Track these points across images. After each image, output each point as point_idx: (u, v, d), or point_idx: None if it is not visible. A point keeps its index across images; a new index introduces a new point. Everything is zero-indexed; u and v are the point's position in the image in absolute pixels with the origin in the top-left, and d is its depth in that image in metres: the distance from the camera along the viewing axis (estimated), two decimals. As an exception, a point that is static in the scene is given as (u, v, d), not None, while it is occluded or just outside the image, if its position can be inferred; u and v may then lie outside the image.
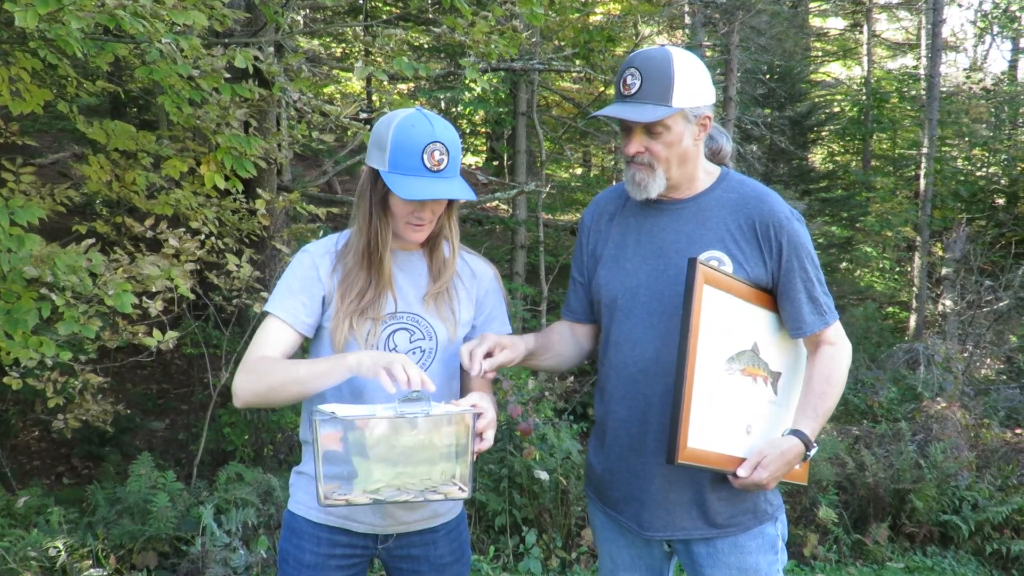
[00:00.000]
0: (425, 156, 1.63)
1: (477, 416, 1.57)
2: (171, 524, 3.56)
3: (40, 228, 3.27)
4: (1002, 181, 11.67)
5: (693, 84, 1.72)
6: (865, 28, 13.44)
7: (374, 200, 1.71)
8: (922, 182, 10.72)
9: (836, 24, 15.74)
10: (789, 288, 1.80)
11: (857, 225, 11.37)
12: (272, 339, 1.72)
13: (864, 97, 12.74)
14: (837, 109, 13.50)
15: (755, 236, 1.78)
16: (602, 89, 9.59)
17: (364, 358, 1.58)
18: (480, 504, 3.99)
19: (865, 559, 4.27)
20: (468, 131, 12.47)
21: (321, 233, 4.49)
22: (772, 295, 1.83)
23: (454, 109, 10.20)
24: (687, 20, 10.00)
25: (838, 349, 1.84)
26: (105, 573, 3.27)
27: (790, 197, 8.34)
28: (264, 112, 4.60)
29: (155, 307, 3.54)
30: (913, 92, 12.91)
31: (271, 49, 4.24)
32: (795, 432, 1.77)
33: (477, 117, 11.39)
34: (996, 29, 14.14)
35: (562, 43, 8.34)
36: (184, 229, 3.83)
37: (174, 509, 3.63)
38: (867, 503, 4.44)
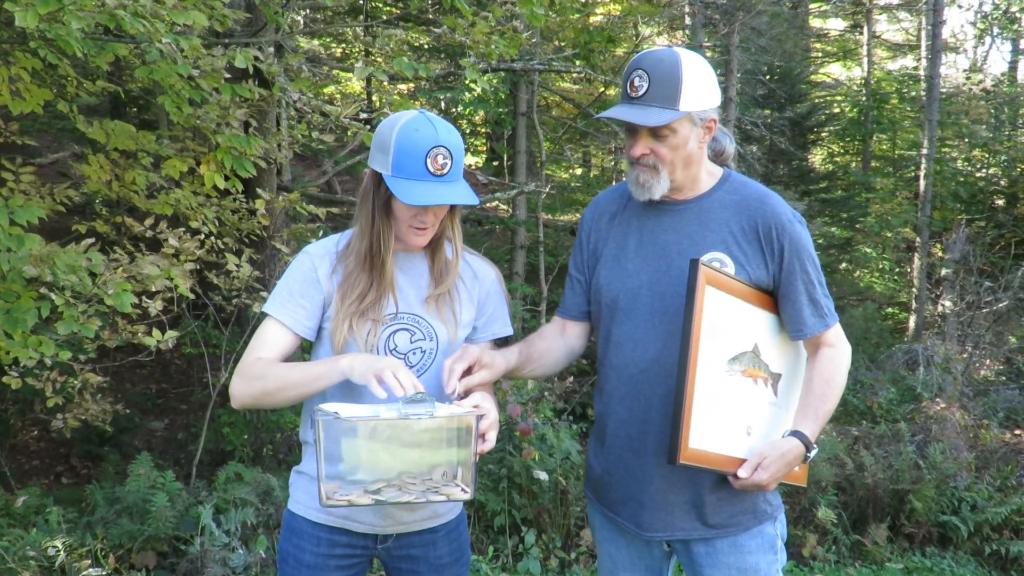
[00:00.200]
0: (428, 161, 1.63)
1: (480, 417, 1.57)
2: (170, 524, 3.56)
3: (40, 228, 3.27)
4: (1002, 182, 11.67)
5: (700, 87, 1.72)
6: (865, 29, 13.45)
7: (377, 203, 1.71)
8: (922, 183, 10.73)
9: (836, 25, 15.74)
10: (790, 290, 1.80)
11: (857, 226, 11.38)
12: (269, 341, 1.73)
13: (864, 98, 12.75)
14: (837, 110, 13.50)
15: (757, 238, 1.79)
16: (602, 90, 9.59)
17: (356, 363, 1.59)
18: (479, 504, 3.99)
19: (864, 560, 4.28)
20: (468, 131, 12.47)
21: (321, 233, 4.49)
22: (773, 297, 1.83)
23: (454, 109, 10.21)
24: (687, 21, 9.99)
25: (838, 351, 1.85)
26: (104, 573, 3.27)
27: (790, 198, 8.33)
28: (264, 112, 4.59)
29: (155, 307, 3.54)
30: (913, 93, 12.92)
31: (271, 49, 4.24)
32: (795, 433, 1.78)
33: (477, 117, 11.41)
34: (996, 30, 14.16)
35: (562, 43, 8.35)
36: (184, 229, 3.84)
37: (173, 509, 3.63)
38: (866, 504, 4.45)
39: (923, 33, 12.40)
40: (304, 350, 1.85)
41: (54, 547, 3.26)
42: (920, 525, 4.38)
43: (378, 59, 4.55)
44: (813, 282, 1.80)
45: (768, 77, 10.76)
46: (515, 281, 7.75)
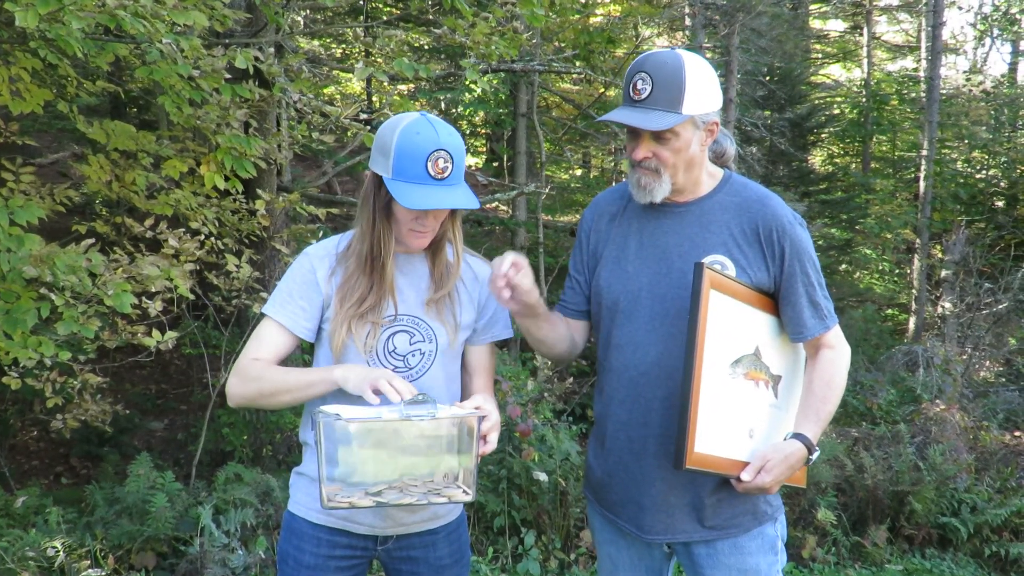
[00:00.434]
0: (429, 164, 1.62)
1: (481, 419, 1.57)
2: (169, 524, 3.56)
3: (40, 228, 3.27)
4: (1002, 184, 11.67)
5: (703, 90, 1.71)
6: (865, 30, 13.46)
7: (377, 206, 1.71)
8: (922, 184, 10.73)
9: (836, 26, 15.75)
10: (791, 292, 1.79)
11: (857, 227, 11.37)
12: (267, 342, 1.73)
13: (864, 99, 12.75)
14: (837, 111, 13.50)
15: (758, 240, 1.78)
16: (602, 91, 9.59)
17: (350, 375, 1.59)
18: (479, 505, 3.99)
19: (864, 561, 4.27)
20: (468, 132, 12.47)
21: (321, 234, 4.49)
22: (773, 299, 1.83)
23: (454, 110, 10.22)
24: (687, 22, 10.00)
25: (838, 353, 1.84)
26: (103, 573, 3.27)
27: (790, 199, 8.33)
28: (264, 112, 4.59)
29: (154, 307, 3.54)
30: (913, 94, 12.93)
31: (271, 50, 4.24)
32: (797, 436, 1.77)
33: (477, 118, 11.42)
34: (996, 32, 14.17)
35: (562, 44, 8.35)
36: (184, 229, 3.83)
37: (172, 509, 3.62)
38: (866, 505, 4.44)
39: (923, 34, 12.42)
40: (305, 350, 1.85)
41: (53, 547, 3.25)
42: (920, 527, 4.38)
43: (378, 60, 4.55)
44: (813, 284, 1.80)
45: (768, 78, 10.76)
46: (515, 282, 7.73)
